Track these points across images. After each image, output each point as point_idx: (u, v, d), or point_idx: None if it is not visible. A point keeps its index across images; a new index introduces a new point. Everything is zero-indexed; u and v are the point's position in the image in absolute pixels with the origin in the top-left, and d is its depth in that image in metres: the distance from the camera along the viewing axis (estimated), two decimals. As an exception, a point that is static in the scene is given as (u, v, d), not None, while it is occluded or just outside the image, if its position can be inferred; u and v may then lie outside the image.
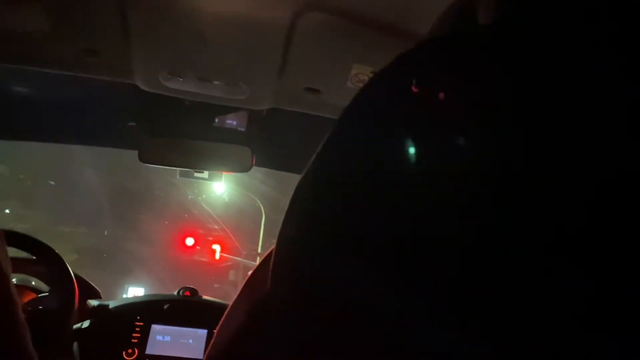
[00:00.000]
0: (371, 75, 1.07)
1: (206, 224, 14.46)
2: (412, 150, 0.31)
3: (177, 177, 1.42)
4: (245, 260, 13.62)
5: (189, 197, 14.75)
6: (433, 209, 0.29)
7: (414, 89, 0.32)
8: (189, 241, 11.51)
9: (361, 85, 1.09)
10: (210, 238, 13.20)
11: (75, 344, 1.26)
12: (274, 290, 0.37)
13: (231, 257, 13.24)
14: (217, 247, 12.05)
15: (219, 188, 12.61)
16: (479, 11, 0.39)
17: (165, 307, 1.40)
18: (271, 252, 0.58)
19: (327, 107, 1.24)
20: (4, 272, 0.62)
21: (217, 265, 13.58)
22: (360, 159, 0.33)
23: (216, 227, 14.85)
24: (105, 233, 14.83)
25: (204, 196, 14.39)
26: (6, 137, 1.62)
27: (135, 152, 1.33)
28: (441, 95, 0.30)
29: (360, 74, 1.07)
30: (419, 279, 0.29)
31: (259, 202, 13.01)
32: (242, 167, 1.35)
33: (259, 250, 13.58)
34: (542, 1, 0.31)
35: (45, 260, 1.22)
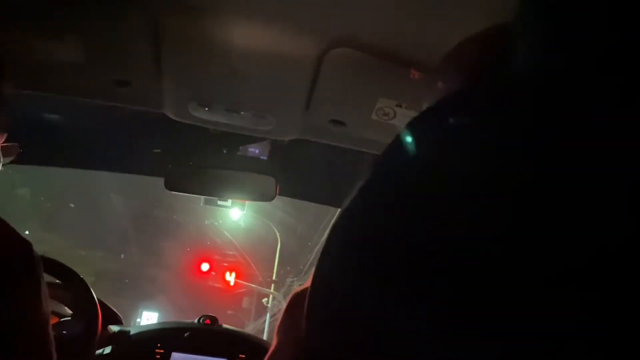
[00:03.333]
0: (396, 108, 1.09)
1: (222, 250, 14.47)
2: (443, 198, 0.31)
3: (201, 204, 1.44)
4: (260, 287, 13.54)
5: (206, 222, 14.81)
6: (464, 249, 0.30)
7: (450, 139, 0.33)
8: (204, 267, 11.50)
9: (386, 118, 1.10)
10: (225, 264, 13.18)
11: (95, 370, 1.27)
12: (311, 334, 0.38)
13: (246, 284, 13.17)
14: (231, 274, 12.02)
15: (236, 214, 12.65)
16: (512, 54, 0.40)
17: (186, 335, 1.40)
18: (303, 290, 0.58)
19: (351, 139, 1.26)
20: (43, 292, 0.64)
21: (231, 291, 13.51)
22: (395, 210, 0.34)
23: (231, 253, 14.85)
24: (122, 257, 14.91)
25: (220, 222, 14.43)
26: (35, 162, 1.66)
27: (154, 179, 1.35)
28: (474, 146, 0.31)
29: (385, 107, 1.08)
30: (452, 321, 0.29)
31: (275, 229, 13.00)
32: (265, 196, 1.37)
33: (274, 277, 13.50)
34: (580, 53, 0.32)
35: (70, 285, 1.23)
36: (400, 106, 1.07)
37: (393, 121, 1.11)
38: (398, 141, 0.35)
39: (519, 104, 0.31)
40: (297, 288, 0.63)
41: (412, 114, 1.09)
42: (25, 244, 0.63)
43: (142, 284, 14.80)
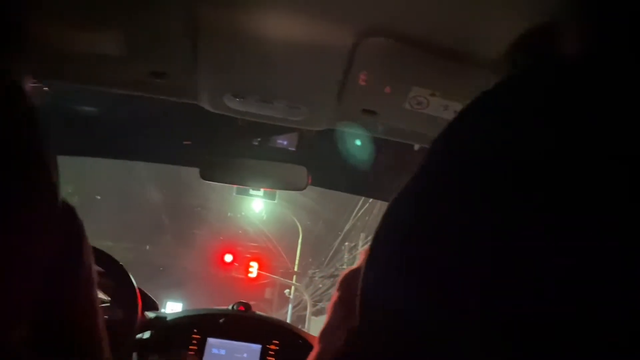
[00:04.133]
0: (429, 97, 1.09)
1: (244, 242, 14.61)
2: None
3: (234, 194, 1.47)
4: (282, 279, 13.63)
5: (229, 214, 14.95)
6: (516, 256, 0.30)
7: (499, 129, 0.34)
8: (228, 258, 11.63)
9: (419, 107, 1.10)
10: (248, 255, 13.30)
11: (134, 354, 1.31)
12: (363, 318, 0.39)
13: (268, 275, 13.28)
14: (254, 265, 12.12)
15: (258, 206, 12.74)
16: (561, 40, 0.40)
17: (221, 320, 1.44)
18: (353, 271, 0.60)
19: (384, 129, 1.26)
20: (93, 276, 0.67)
21: (253, 282, 13.64)
22: (450, 204, 0.34)
23: (254, 244, 14.97)
24: (147, 248, 15.16)
25: (243, 213, 14.57)
26: (71, 153, 1.71)
27: (178, 174, 1.38)
28: (524, 136, 0.32)
29: (418, 96, 1.09)
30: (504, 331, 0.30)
31: (297, 221, 13.05)
32: (297, 186, 1.39)
33: (296, 269, 13.58)
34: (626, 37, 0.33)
35: (111, 272, 1.27)
36: (434, 95, 1.07)
37: (426, 110, 1.11)
38: (466, 117, 0.35)
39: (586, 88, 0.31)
40: (347, 269, 0.65)
41: (446, 103, 1.09)
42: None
43: (166, 275, 15.03)
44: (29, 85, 0.80)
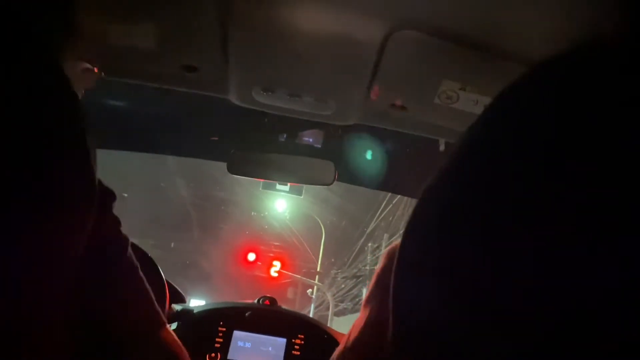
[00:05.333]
0: (459, 91, 1.08)
1: (267, 241, 14.70)
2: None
3: (260, 189, 1.48)
4: (304, 278, 13.66)
5: (252, 213, 15.07)
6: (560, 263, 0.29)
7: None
8: (251, 257, 11.71)
9: (449, 102, 1.09)
10: (271, 254, 13.38)
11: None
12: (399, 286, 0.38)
13: (291, 274, 13.33)
14: (277, 264, 12.18)
15: (281, 205, 12.80)
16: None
17: (247, 314, 1.45)
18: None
19: (411, 124, 1.25)
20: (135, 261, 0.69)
21: (276, 281, 13.70)
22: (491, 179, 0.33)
23: (277, 243, 15.05)
24: (172, 245, 15.39)
25: (266, 213, 14.65)
26: (101, 146, 1.74)
27: (202, 173, 1.39)
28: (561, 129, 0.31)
29: (448, 90, 1.08)
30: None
31: (320, 221, 13.06)
32: (324, 181, 1.39)
33: (318, 269, 13.59)
34: None
35: (142, 266, 1.29)
36: (464, 89, 1.06)
37: (455, 105, 1.10)
38: (499, 110, 0.35)
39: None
40: (392, 244, 0.65)
41: (476, 97, 1.07)
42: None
43: (189, 272, 15.23)
44: (81, 70, 0.82)
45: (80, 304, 0.55)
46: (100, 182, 0.57)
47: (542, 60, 0.36)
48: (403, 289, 0.37)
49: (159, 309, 0.71)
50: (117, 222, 0.65)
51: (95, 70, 0.89)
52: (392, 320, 0.37)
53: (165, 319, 0.73)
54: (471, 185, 0.34)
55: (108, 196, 0.62)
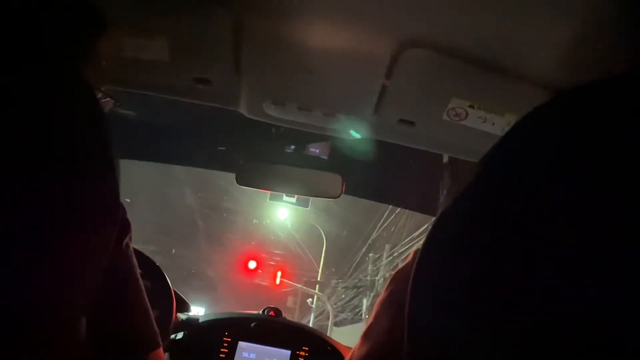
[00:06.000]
0: (468, 109, 1.09)
1: (268, 249, 14.67)
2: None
3: (268, 200, 1.49)
4: (305, 287, 13.62)
5: (254, 221, 15.07)
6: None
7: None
8: (252, 264, 11.70)
9: (457, 119, 1.10)
10: (272, 262, 13.36)
11: (167, 354, 1.33)
12: (413, 302, 0.39)
13: (291, 283, 13.29)
14: (277, 273, 12.17)
15: (283, 214, 12.80)
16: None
17: (252, 325, 1.45)
18: (402, 268, 0.60)
19: (419, 139, 1.26)
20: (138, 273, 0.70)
21: (276, 289, 13.67)
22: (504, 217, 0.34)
23: (278, 252, 15.03)
24: (173, 252, 15.38)
25: (268, 221, 14.65)
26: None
27: (211, 174, 1.40)
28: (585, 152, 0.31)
29: (457, 108, 1.09)
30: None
31: (321, 230, 13.05)
32: (332, 193, 1.40)
33: (319, 278, 13.55)
34: None
35: (149, 273, 1.30)
36: (473, 107, 1.07)
37: (464, 122, 1.11)
38: (522, 132, 0.35)
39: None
40: (398, 267, 0.65)
41: (485, 115, 1.09)
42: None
43: (190, 279, 15.20)
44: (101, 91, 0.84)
45: (89, 322, 0.55)
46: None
47: (567, 88, 0.37)
48: (419, 311, 0.38)
49: (157, 329, 0.71)
50: (128, 246, 0.67)
51: (110, 99, 0.90)
52: (407, 342, 0.38)
53: (160, 340, 0.74)
54: (488, 213, 0.34)
55: (122, 212, 0.63)
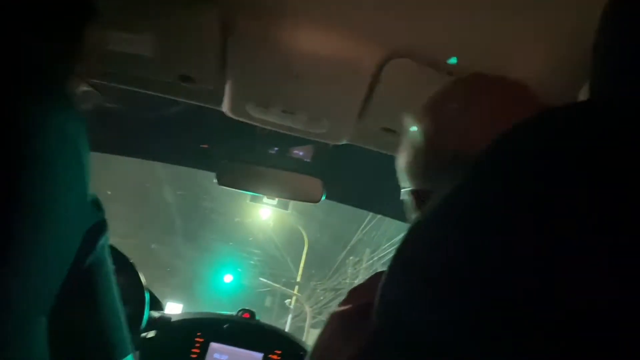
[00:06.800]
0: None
1: (248, 248, 14.62)
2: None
3: (248, 201, 1.48)
4: (283, 288, 13.59)
5: (235, 219, 15.00)
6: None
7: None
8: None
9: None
10: (252, 262, 13.32)
11: (137, 352, 1.31)
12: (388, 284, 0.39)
13: (269, 283, 13.26)
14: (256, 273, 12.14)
15: (265, 214, 12.76)
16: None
17: (225, 326, 1.44)
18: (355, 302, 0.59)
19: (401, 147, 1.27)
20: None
21: (254, 288, 13.64)
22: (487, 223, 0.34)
23: (257, 251, 14.98)
24: (152, 247, 15.22)
25: (250, 220, 14.60)
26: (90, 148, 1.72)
27: (193, 172, 1.39)
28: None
29: (439, 119, 1.09)
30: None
31: (303, 231, 13.04)
32: (312, 198, 1.39)
33: (298, 279, 13.53)
34: None
35: (123, 270, 1.28)
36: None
37: (446, 133, 1.12)
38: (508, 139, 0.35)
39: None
40: (356, 285, 0.64)
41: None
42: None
43: (168, 275, 15.07)
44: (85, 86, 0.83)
45: (59, 320, 0.54)
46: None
47: (543, 109, 0.38)
48: (389, 319, 0.38)
49: (129, 335, 0.70)
50: (104, 247, 0.65)
51: (95, 91, 0.89)
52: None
53: (131, 346, 0.72)
54: (476, 213, 0.35)
55: (96, 207, 0.62)
